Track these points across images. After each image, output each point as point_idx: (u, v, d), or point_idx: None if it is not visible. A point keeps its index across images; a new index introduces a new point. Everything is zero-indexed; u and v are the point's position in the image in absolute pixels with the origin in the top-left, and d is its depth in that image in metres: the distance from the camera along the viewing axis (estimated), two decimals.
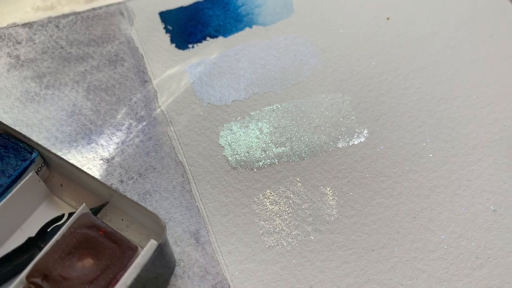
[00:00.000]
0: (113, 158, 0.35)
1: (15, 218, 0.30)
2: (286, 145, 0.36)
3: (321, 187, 0.34)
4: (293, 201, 0.33)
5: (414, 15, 0.43)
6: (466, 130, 0.37)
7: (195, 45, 0.41)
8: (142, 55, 0.41)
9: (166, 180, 0.34)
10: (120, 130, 0.37)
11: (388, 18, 0.43)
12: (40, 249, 0.29)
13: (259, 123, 0.37)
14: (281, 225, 0.33)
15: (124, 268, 0.26)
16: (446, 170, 0.35)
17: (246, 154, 0.36)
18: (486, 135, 0.36)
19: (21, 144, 0.30)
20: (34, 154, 0.30)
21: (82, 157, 0.35)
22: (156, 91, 0.39)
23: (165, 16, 0.43)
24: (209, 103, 0.38)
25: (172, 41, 0.42)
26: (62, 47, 0.41)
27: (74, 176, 0.31)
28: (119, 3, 0.43)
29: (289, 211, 0.33)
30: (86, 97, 0.38)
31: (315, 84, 0.39)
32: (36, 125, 0.36)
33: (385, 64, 0.40)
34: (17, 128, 0.36)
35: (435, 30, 0.42)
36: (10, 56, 0.40)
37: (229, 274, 0.31)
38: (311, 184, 0.34)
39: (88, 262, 0.27)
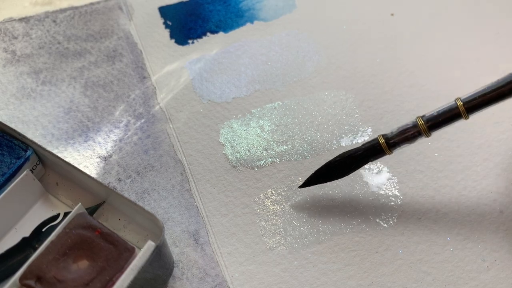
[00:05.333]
0: (110, 156, 0.34)
1: (9, 218, 0.29)
2: (288, 143, 0.35)
3: (325, 187, 0.33)
4: (295, 201, 0.33)
5: (419, 11, 0.42)
6: (472, 129, 0.36)
7: (195, 41, 0.41)
8: (141, 50, 0.40)
9: (165, 179, 0.34)
10: (118, 128, 0.36)
11: (392, 14, 0.42)
12: (35, 249, 0.28)
13: (260, 120, 0.36)
14: (282, 226, 0.32)
15: (120, 270, 0.26)
16: (452, 170, 0.34)
17: (247, 153, 0.35)
18: (492, 134, 0.36)
19: (15, 142, 0.30)
20: (28, 152, 0.29)
21: (79, 155, 0.34)
22: (155, 87, 0.38)
23: (164, 11, 0.42)
24: (209, 100, 0.37)
25: (171, 36, 0.41)
26: (59, 42, 0.40)
27: (70, 175, 0.30)
28: None
29: (291, 212, 0.32)
30: (83, 93, 0.37)
31: (318, 81, 0.38)
32: (32, 122, 0.36)
33: (389, 61, 0.39)
34: (12, 125, 0.35)
35: (440, 27, 0.41)
36: (6, 51, 0.39)
37: (229, 275, 0.30)
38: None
39: (84, 263, 0.26)
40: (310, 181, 0.32)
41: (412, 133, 0.28)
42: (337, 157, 0.31)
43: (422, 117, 0.28)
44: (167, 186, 0.33)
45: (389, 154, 0.29)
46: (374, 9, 0.42)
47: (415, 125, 0.28)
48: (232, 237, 0.31)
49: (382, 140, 0.29)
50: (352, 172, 0.31)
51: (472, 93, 0.27)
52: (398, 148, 0.29)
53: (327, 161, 0.31)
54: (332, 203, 0.33)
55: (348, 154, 0.30)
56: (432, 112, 0.28)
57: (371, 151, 0.30)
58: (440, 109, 0.28)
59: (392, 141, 0.29)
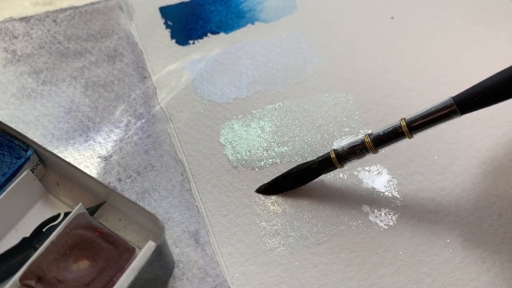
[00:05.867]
0: (111, 156, 0.34)
1: (9, 218, 0.29)
2: (289, 144, 0.35)
3: (326, 188, 0.33)
4: (295, 202, 0.33)
5: (419, 15, 0.43)
6: (471, 132, 0.36)
7: (196, 41, 0.41)
8: (141, 50, 0.40)
9: (165, 179, 0.34)
10: (119, 127, 0.36)
11: (392, 18, 0.42)
12: (35, 249, 0.28)
13: (261, 121, 0.36)
14: (283, 227, 0.32)
15: (121, 270, 0.26)
16: (451, 173, 0.34)
17: (248, 153, 0.35)
18: (491, 138, 0.36)
19: (16, 142, 0.30)
20: (29, 152, 0.29)
21: (79, 154, 0.34)
22: (155, 87, 0.38)
23: (165, 11, 0.42)
24: (210, 101, 0.37)
25: (172, 36, 0.41)
26: (59, 42, 0.40)
27: (71, 175, 0.30)
28: None
29: (291, 212, 0.32)
30: (84, 93, 0.37)
31: (319, 82, 0.38)
32: (32, 121, 0.36)
33: (389, 64, 0.40)
34: (13, 125, 0.35)
35: (440, 30, 0.42)
36: (6, 51, 0.39)
37: (229, 276, 0.30)
38: (313, 185, 0.33)
39: (84, 264, 0.26)
40: (266, 189, 0.33)
41: (360, 150, 0.30)
42: (294, 168, 0.33)
43: (370, 135, 0.30)
44: (167, 186, 0.33)
45: (340, 167, 0.31)
46: (374, 12, 0.43)
47: (363, 142, 0.30)
48: (232, 237, 0.31)
49: (333, 155, 0.31)
50: (307, 182, 0.33)
51: (415, 115, 0.29)
52: (348, 162, 0.31)
53: (285, 171, 0.33)
54: (332, 204, 0.33)
55: (305, 167, 0.32)
56: (379, 131, 0.30)
57: (324, 165, 0.31)
58: (386, 128, 0.29)
59: (342, 156, 0.30)
